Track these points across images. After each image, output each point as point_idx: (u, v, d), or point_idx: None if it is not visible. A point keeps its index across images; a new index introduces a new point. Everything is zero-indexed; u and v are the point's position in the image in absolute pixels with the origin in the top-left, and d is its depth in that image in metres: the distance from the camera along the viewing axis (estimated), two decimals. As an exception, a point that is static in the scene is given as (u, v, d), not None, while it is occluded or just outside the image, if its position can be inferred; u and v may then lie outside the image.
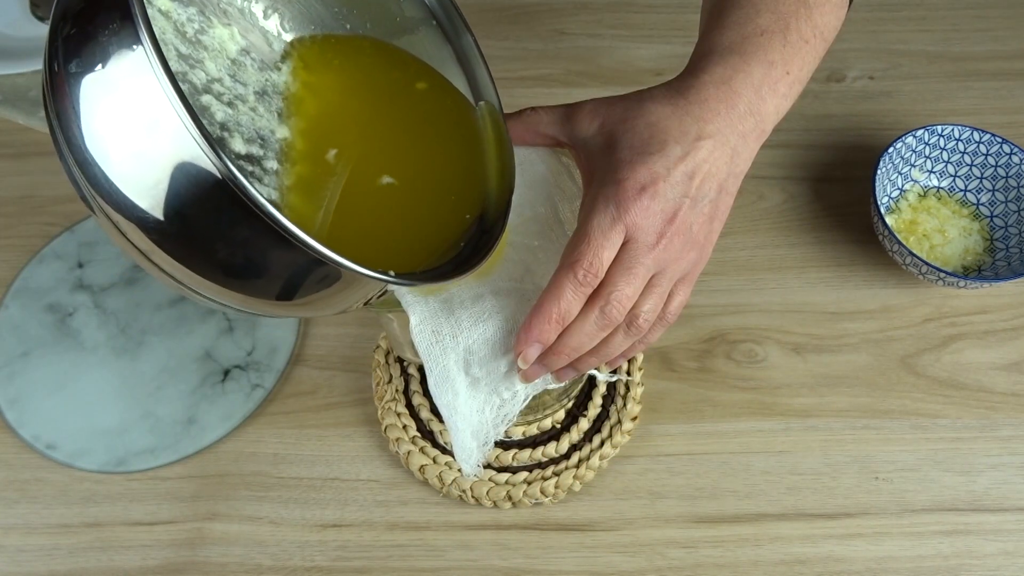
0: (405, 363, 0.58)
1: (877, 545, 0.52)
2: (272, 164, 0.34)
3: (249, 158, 0.34)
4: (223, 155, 0.26)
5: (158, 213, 0.28)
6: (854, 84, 0.77)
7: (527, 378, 0.41)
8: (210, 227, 0.28)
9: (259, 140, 0.34)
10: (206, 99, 0.33)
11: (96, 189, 0.28)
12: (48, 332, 0.61)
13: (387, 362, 0.58)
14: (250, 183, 0.26)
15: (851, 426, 0.57)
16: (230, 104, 0.34)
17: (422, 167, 0.39)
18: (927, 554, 0.52)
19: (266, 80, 0.36)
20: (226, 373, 0.59)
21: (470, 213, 0.39)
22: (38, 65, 0.76)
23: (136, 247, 0.29)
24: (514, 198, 0.41)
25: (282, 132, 0.35)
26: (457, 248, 0.37)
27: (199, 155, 0.26)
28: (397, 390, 0.57)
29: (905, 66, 0.79)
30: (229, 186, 0.26)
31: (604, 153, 0.39)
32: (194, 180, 0.27)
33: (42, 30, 0.80)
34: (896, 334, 0.62)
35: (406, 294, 0.41)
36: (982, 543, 0.52)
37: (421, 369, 0.57)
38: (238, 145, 0.33)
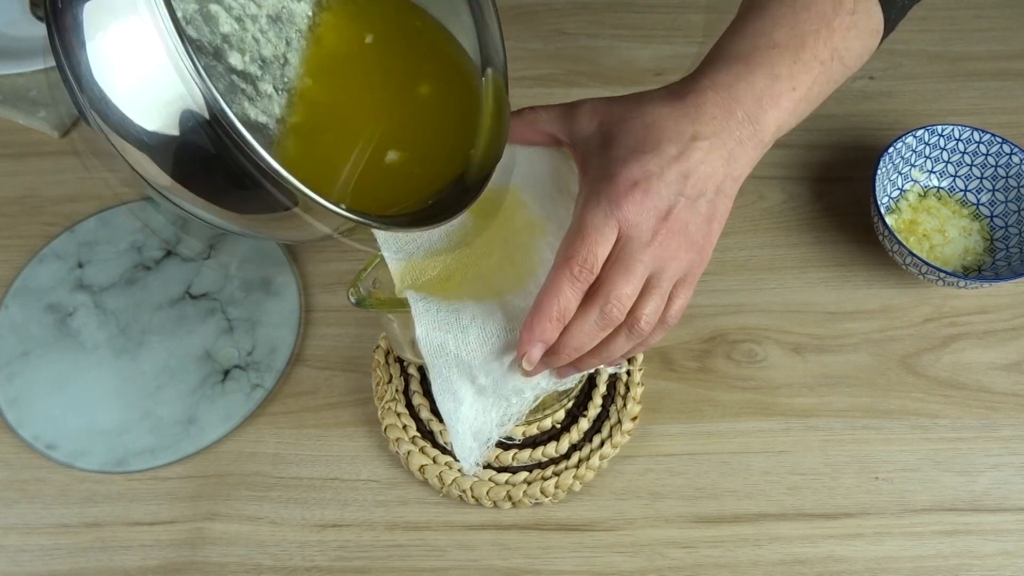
0: (405, 363, 0.58)
1: (877, 545, 0.52)
2: (267, 87, 0.35)
3: (244, 75, 0.34)
4: (191, 52, 0.27)
5: (147, 125, 0.29)
6: (854, 84, 0.77)
7: (527, 373, 0.41)
8: (189, 140, 0.29)
9: (259, 60, 0.35)
10: (214, 8, 0.33)
11: (95, 107, 0.29)
12: (48, 332, 0.61)
13: (387, 362, 0.58)
14: (237, 99, 0.27)
15: (851, 426, 0.57)
16: (239, 20, 0.34)
17: (415, 123, 0.39)
18: (927, 554, 0.52)
19: (282, 8, 0.36)
20: (226, 373, 0.59)
21: (449, 173, 0.39)
22: (38, 65, 0.76)
23: (137, 171, 0.31)
24: (520, 201, 0.41)
25: (292, 62, 0.36)
26: (424, 204, 0.38)
27: (172, 50, 0.27)
28: (397, 390, 0.57)
29: (905, 66, 0.79)
30: (199, 91, 0.27)
31: (600, 151, 0.39)
32: (169, 82, 0.28)
33: (42, 30, 0.80)
34: (896, 334, 0.62)
35: (418, 301, 0.41)
36: (982, 543, 0.52)
37: (421, 369, 0.57)
38: (235, 60, 0.34)
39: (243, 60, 0.34)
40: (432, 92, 0.40)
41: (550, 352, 0.39)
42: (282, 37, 0.36)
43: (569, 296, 0.37)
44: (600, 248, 0.37)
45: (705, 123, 0.38)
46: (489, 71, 0.42)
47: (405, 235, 0.43)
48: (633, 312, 0.39)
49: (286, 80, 0.36)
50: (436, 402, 0.42)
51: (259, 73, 0.35)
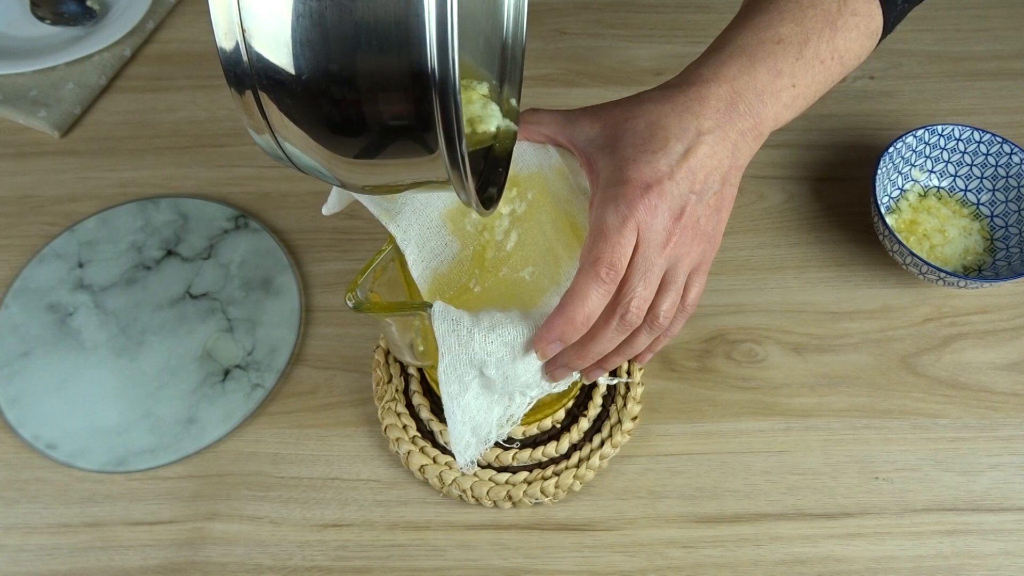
0: (405, 363, 0.58)
1: (877, 545, 0.52)
2: None
3: None
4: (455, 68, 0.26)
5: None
6: (854, 84, 0.77)
7: (555, 379, 0.42)
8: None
9: None
10: None
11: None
12: (48, 332, 0.61)
13: (387, 362, 0.58)
14: None
15: (851, 426, 0.57)
16: None
17: None
18: (927, 554, 0.52)
19: None
20: (226, 373, 0.59)
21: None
22: (38, 65, 0.76)
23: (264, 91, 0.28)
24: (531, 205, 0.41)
25: None
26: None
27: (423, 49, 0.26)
28: (397, 390, 0.57)
29: (905, 66, 0.79)
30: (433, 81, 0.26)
31: (607, 152, 0.40)
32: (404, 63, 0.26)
33: (42, 30, 0.80)
34: (896, 334, 0.62)
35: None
36: (982, 543, 0.52)
37: (421, 369, 0.57)
38: None
39: None
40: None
41: (574, 356, 0.40)
42: None
43: (595, 300, 0.37)
44: (625, 250, 0.37)
45: (708, 116, 0.38)
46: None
47: (431, 247, 0.44)
48: (651, 310, 0.40)
49: None
50: (440, 383, 0.41)
51: None
